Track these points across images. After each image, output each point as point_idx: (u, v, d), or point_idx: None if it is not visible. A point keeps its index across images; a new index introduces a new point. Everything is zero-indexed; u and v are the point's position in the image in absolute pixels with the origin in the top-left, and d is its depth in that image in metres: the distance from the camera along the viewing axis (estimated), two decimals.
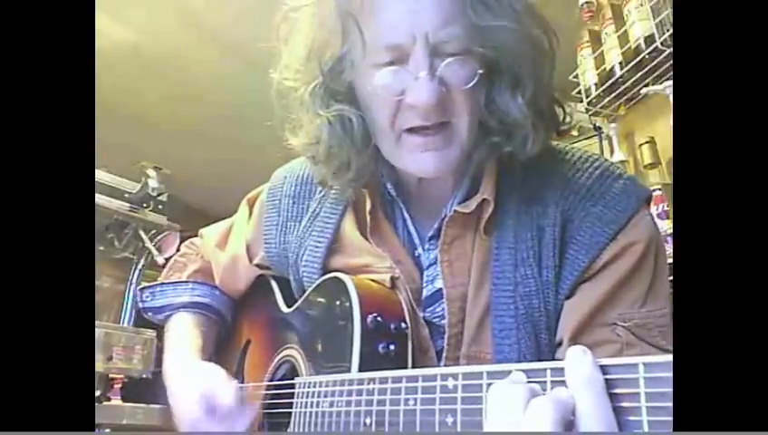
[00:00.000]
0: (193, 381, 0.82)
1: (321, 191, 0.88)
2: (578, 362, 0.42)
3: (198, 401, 0.78)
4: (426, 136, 0.70)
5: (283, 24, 0.76)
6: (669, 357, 0.37)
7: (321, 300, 0.82)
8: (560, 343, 0.70)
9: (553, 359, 0.70)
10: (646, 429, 0.38)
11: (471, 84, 0.67)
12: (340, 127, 0.74)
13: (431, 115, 0.68)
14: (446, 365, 0.74)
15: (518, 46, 0.68)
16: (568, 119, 0.79)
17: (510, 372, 0.46)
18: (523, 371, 0.45)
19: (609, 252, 0.71)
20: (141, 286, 1.04)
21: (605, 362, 0.42)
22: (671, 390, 0.36)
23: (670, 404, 0.36)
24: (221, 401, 0.77)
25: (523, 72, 0.69)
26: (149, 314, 1.03)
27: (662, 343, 0.67)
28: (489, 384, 0.46)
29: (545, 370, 0.45)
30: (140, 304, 1.03)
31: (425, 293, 0.79)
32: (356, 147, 0.74)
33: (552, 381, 0.44)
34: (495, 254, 0.74)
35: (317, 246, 0.85)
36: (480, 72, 0.67)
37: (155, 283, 1.04)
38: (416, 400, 0.54)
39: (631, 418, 0.39)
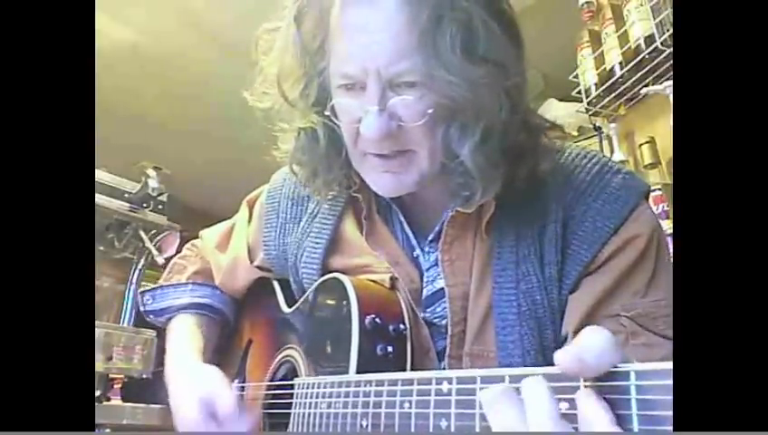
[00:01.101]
0: (192, 384, 0.82)
1: None
2: (537, 396, 0.42)
3: (198, 404, 0.79)
4: (384, 159, 0.71)
5: (261, 40, 0.78)
6: (663, 365, 0.37)
7: (321, 300, 0.82)
8: (565, 338, 0.71)
9: None
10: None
11: (422, 121, 0.67)
12: (309, 138, 0.77)
13: (384, 145, 0.69)
14: (449, 364, 0.74)
15: (458, 95, 0.65)
16: (547, 147, 0.76)
17: (503, 377, 0.46)
18: (516, 375, 0.45)
19: (612, 246, 0.72)
20: (141, 290, 1.05)
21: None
22: (664, 398, 0.36)
23: (663, 413, 0.36)
24: (220, 407, 0.78)
25: (468, 120, 0.67)
26: (151, 317, 1.03)
27: (668, 333, 0.67)
28: (483, 389, 0.46)
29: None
30: (141, 308, 1.03)
31: (425, 293, 0.79)
32: (324, 158, 0.77)
33: None
34: (497, 253, 0.74)
35: (315, 247, 0.85)
36: (430, 111, 0.67)
37: (155, 286, 1.04)
38: (411, 403, 0.54)
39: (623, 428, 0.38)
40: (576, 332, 0.69)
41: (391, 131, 0.68)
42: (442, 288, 0.76)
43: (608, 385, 0.40)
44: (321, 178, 0.80)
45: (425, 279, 0.79)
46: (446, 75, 0.64)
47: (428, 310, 0.78)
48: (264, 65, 0.77)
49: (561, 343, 0.72)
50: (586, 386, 0.41)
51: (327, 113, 0.73)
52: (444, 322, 0.76)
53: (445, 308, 0.75)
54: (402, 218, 0.83)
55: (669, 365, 0.36)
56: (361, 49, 0.66)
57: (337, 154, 0.77)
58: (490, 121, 0.67)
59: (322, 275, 0.83)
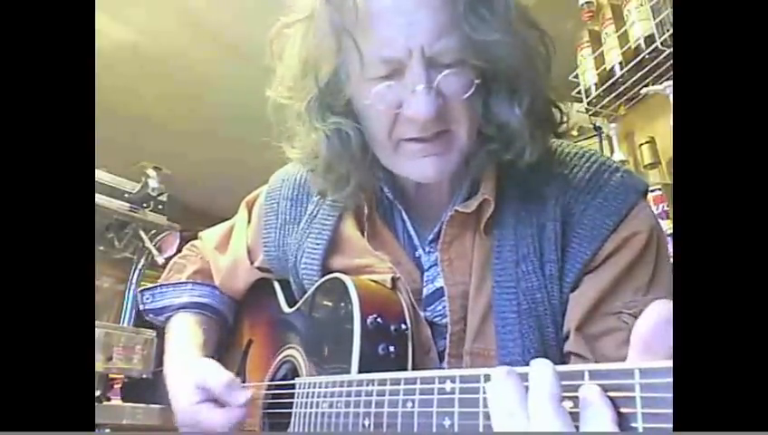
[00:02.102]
0: (188, 373, 0.82)
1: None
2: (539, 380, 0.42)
3: (193, 390, 0.78)
4: (424, 142, 0.70)
5: (276, 39, 0.75)
6: (666, 363, 0.37)
7: (322, 300, 0.81)
8: (567, 336, 0.71)
9: (561, 352, 0.71)
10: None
11: (468, 94, 0.67)
12: (338, 141, 0.74)
13: (429, 126, 0.68)
14: (449, 363, 0.74)
15: (514, 58, 0.67)
16: (565, 118, 0.79)
17: None
18: (521, 373, 0.45)
19: (612, 243, 0.72)
20: (141, 289, 1.05)
21: (601, 367, 0.41)
22: (669, 395, 0.36)
23: (668, 411, 0.36)
24: (213, 383, 0.77)
25: (520, 82, 0.69)
26: (150, 315, 1.03)
27: None
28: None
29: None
30: (141, 306, 1.03)
31: (425, 292, 0.79)
32: (355, 160, 0.75)
33: None
34: (497, 252, 0.74)
35: (315, 248, 0.85)
36: (477, 81, 0.67)
37: (155, 284, 1.04)
38: (414, 402, 0.53)
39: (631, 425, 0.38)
40: (578, 329, 0.69)
41: (439, 110, 0.67)
42: (441, 287, 0.76)
43: (612, 383, 0.40)
44: (353, 181, 0.77)
45: (425, 278, 0.79)
46: (503, 38, 0.65)
47: (429, 309, 0.78)
48: (284, 63, 0.75)
49: (562, 341, 0.72)
50: (591, 382, 0.41)
51: (367, 101, 0.69)
52: (444, 320, 0.76)
53: (444, 307, 0.75)
54: (405, 217, 0.83)
55: (671, 363, 0.36)
56: (402, 29, 0.65)
57: (364, 154, 0.75)
58: (540, 84, 0.70)
59: (323, 276, 0.83)
